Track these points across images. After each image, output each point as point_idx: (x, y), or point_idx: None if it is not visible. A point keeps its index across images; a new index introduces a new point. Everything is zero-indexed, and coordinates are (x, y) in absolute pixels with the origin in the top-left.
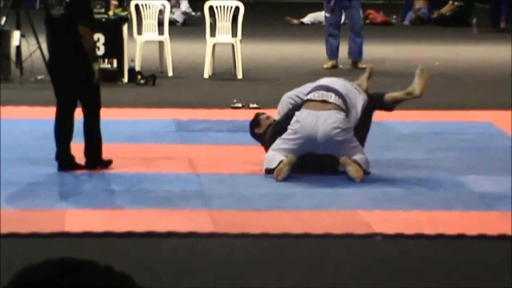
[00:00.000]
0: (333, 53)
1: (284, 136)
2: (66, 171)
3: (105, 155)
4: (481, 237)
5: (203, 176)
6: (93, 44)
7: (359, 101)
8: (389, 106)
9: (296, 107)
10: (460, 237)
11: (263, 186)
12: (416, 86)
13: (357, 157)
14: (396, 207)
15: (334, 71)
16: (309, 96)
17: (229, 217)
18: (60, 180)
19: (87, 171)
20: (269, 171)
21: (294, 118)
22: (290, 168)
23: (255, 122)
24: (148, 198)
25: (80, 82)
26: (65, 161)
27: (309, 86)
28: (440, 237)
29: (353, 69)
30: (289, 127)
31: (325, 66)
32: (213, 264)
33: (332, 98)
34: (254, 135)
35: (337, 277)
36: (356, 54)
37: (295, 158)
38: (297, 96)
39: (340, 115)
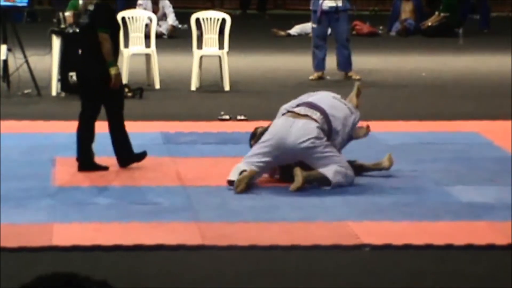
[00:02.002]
0: (318, 64)
1: (259, 141)
2: (85, 171)
3: None
4: (469, 247)
5: (190, 188)
6: (110, 50)
7: (347, 121)
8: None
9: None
10: (448, 247)
11: (251, 198)
12: (385, 160)
13: (328, 168)
14: (384, 218)
15: (321, 82)
16: (293, 109)
17: (217, 229)
18: (48, 194)
19: (75, 184)
20: (230, 183)
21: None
22: (248, 181)
23: (252, 135)
24: (135, 211)
25: (101, 87)
26: (84, 161)
27: (304, 96)
28: (428, 247)
29: (343, 80)
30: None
31: (311, 77)
32: (201, 277)
33: (315, 115)
34: (251, 147)
35: None
36: (343, 66)
37: (256, 171)
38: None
39: (315, 125)
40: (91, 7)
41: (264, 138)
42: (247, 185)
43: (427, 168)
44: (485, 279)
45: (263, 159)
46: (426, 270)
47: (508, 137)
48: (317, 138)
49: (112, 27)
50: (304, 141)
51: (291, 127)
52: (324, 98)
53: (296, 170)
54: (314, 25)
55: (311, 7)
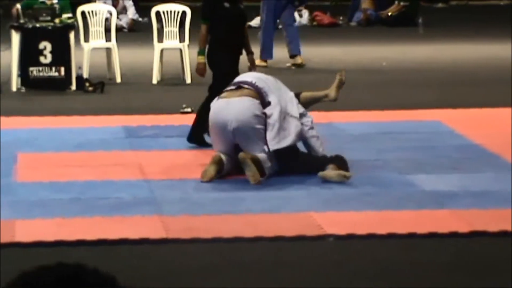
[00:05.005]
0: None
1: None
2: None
3: (55, 164)
4: (433, 236)
5: (153, 182)
6: (202, 39)
7: (278, 84)
8: (303, 106)
9: None
10: (412, 236)
11: (214, 191)
12: (332, 90)
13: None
14: (348, 208)
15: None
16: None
17: (181, 222)
18: (10, 190)
19: (37, 180)
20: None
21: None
22: (216, 167)
23: None
24: (98, 206)
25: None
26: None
27: None
28: (392, 236)
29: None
30: None
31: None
32: (165, 270)
33: (245, 86)
34: None
35: (291, 280)
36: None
37: (220, 156)
38: None
39: (252, 101)
40: None
41: (209, 127)
42: (215, 171)
43: (389, 157)
44: (449, 267)
45: (220, 147)
46: (389, 259)
47: (470, 125)
48: (255, 116)
49: (212, 18)
50: (243, 120)
51: (227, 108)
52: (248, 74)
53: (243, 157)
54: None
55: None
